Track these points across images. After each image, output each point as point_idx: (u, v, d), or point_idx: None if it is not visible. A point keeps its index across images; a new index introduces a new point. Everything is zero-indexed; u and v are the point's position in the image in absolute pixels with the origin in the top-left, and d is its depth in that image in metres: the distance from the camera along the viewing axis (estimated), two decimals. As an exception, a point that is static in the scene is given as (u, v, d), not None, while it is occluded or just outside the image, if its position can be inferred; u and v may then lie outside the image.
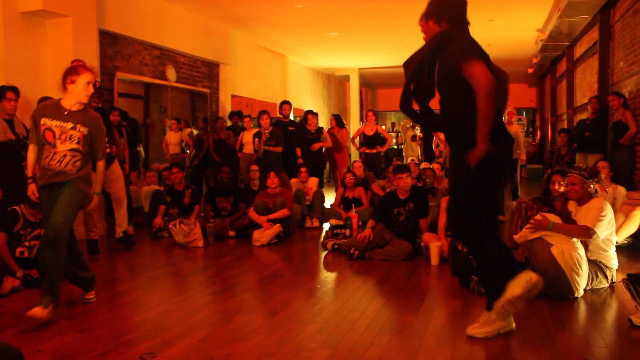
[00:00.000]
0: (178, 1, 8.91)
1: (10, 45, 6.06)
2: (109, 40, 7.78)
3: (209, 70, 10.66)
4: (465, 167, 3.08)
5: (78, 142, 3.79)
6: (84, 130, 3.80)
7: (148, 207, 7.78)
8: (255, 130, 8.70)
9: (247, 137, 8.90)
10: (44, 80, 6.43)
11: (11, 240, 4.61)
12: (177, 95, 10.05)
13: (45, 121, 3.77)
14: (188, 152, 9.94)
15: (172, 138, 9.62)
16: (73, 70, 3.80)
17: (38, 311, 3.51)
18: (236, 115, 10.26)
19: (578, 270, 4.01)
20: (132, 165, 7.72)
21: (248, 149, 8.83)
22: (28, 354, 3.00)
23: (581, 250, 4.09)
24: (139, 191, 8.06)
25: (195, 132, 10.26)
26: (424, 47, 3.24)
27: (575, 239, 4.09)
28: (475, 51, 3.05)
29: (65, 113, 3.78)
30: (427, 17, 3.22)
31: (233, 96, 11.58)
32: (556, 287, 4.03)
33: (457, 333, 3.40)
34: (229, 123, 10.31)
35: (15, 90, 5.16)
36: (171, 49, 9.24)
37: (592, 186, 4.35)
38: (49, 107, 3.85)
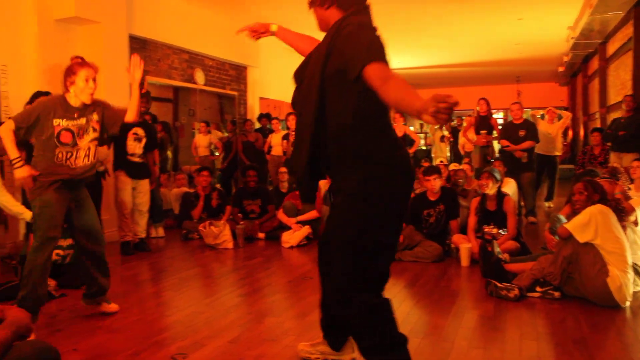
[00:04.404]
0: (206, 5, 8.99)
1: (45, 51, 6.21)
2: (139, 45, 7.89)
3: (237, 73, 10.74)
4: (352, 192, 2.31)
5: (95, 131, 3.68)
6: (97, 117, 3.70)
7: (178, 209, 7.87)
8: (284, 132, 8.72)
9: (276, 139, 8.93)
10: (77, 85, 6.56)
11: None
12: (205, 98, 10.15)
13: (60, 122, 3.54)
14: (217, 154, 10.02)
15: (201, 141, 9.72)
16: (70, 71, 3.60)
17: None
18: (264, 117, 10.32)
19: (629, 298, 3.88)
20: (161, 168, 7.82)
21: (276, 150, 8.87)
22: (63, 353, 3.05)
23: (630, 272, 3.92)
24: (169, 193, 8.15)
25: (224, 134, 10.34)
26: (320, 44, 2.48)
27: (626, 253, 3.91)
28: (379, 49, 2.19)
29: (76, 115, 3.60)
30: (312, 1, 2.49)
31: (261, 98, 11.63)
32: (602, 303, 3.91)
33: (489, 336, 3.36)
34: (257, 125, 10.37)
35: (49, 95, 5.26)
36: (199, 53, 9.33)
37: (626, 185, 4.28)
38: (59, 105, 3.59)
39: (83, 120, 3.62)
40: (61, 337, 3.39)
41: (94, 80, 3.63)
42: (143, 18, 7.77)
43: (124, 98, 6.29)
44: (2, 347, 1.49)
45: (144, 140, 6.06)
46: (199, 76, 9.38)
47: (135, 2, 7.53)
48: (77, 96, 3.60)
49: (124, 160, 5.97)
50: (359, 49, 2.16)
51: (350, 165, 2.34)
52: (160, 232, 7.09)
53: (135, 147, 6.01)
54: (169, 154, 9.20)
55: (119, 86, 6.75)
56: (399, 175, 2.36)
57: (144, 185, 6.19)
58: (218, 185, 8.00)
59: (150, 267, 5.62)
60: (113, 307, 3.92)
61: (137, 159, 6.04)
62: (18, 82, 6.02)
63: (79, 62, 3.68)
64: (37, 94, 5.21)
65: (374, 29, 2.30)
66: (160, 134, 7.29)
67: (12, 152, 3.50)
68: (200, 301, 4.26)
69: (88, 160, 3.67)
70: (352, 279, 2.31)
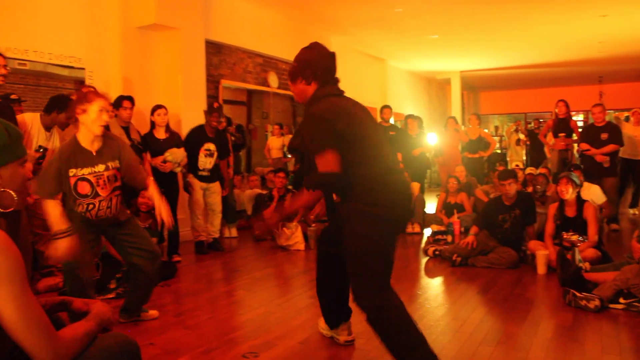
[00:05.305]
0: (279, 9, 9.13)
1: (126, 58, 6.50)
2: (214, 50, 8.10)
3: (310, 77, 10.82)
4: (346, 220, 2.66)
5: (116, 180, 3.50)
6: (117, 164, 3.49)
7: (251, 210, 8.02)
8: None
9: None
10: (156, 90, 6.82)
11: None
12: (278, 101, 10.29)
13: (75, 172, 3.35)
14: (289, 156, 10.14)
15: (274, 143, 9.86)
16: (83, 98, 3.33)
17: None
18: (336, 120, 10.35)
19: None
20: (235, 170, 7.98)
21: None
22: (141, 346, 3.16)
23: None
24: (242, 194, 8.32)
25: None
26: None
27: None
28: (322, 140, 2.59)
29: (95, 159, 3.39)
30: (293, 77, 2.87)
31: (333, 101, 11.67)
32: None
33: (567, 347, 3.22)
34: (329, 128, 10.41)
35: (131, 99, 5.49)
36: (273, 57, 9.48)
37: None
38: (73, 152, 3.36)
39: (102, 167, 3.41)
40: (138, 332, 3.53)
41: (108, 112, 3.38)
42: (219, 23, 7.98)
43: (200, 102, 6.50)
44: (88, 338, 1.58)
45: (215, 155, 6.17)
46: (273, 79, 9.53)
47: (212, 9, 7.75)
48: (86, 126, 3.35)
49: (194, 171, 6.12)
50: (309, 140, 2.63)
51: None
52: (234, 232, 7.25)
53: (206, 162, 6.10)
54: (240, 155, 9.38)
55: (196, 90, 6.98)
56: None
57: (216, 185, 6.31)
58: (290, 187, 8.09)
59: (223, 266, 5.76)
60: (152, 313, 3.85)
61: (206, 173, 6.15)
62: (103, 88, 6.31)
63: (93, 91, 3.48)
64: (120, 98, 5.45)
65: (326, 117, 2.70)
66: (233, 137, 7.43)
67: (55, 225, 3.28)
68: (272, 301, 4.32)
69: (110, 214, 3.48)
70: (376, 282, 2.58)
